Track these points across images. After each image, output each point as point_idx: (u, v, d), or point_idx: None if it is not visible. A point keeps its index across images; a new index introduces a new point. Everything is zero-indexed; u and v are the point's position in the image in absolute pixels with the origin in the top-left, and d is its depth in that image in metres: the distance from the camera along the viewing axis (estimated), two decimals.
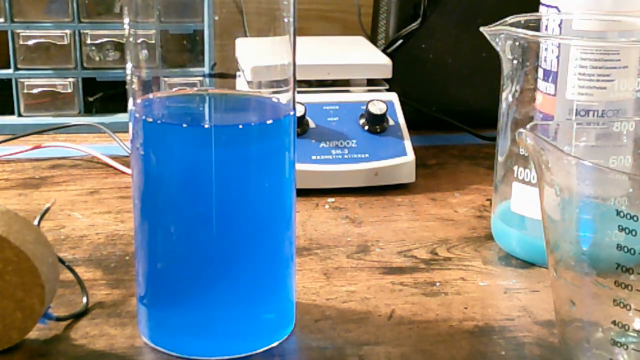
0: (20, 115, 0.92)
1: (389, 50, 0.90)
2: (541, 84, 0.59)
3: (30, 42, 0.90)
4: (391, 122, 0.77)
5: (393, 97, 0.80)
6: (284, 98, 0.48)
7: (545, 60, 0.59)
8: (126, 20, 0.46)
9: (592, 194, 0.43)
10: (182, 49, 0.48)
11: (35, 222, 0.51)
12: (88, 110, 0.94)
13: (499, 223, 0.63)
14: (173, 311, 0.48)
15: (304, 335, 0.50)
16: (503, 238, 0.63)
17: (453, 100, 0.93)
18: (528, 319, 0.53)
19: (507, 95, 0.60)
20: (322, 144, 0.75)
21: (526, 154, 0.58)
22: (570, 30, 0.59)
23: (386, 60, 0.81)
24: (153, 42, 0.46)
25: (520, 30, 0.57)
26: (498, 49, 0.59)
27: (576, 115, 0.57)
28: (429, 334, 0.51)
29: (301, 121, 0.75)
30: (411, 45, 0.91)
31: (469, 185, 0.77)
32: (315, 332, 0.51)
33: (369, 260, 0.61)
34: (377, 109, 0.76)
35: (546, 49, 0.58)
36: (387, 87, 0.82)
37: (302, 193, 0.72)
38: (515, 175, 0.60)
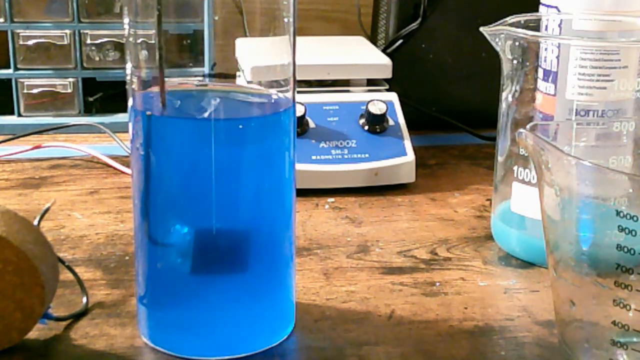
0: (20, 115, 0.92)
1: (389, 50, 0.90)
2: (541, 84, 0.59)
3: (30, 42, 0.90)
4: (391, 122, 0.77)
5: (393, 97, 0.80)
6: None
7: (545, 60, 0.59)
8: (126, 20, 0.46)
9: (592, 194, 0.43)
10: (182, 49, 0.48)
11: (35, 222, 0.50)
12: (88, 110, 0.94)
13: (499, 223, 0.63)
14: (173, 311, 0.48)
15: (304, 335, 0.50)
16: (503, 238, 0.63)
17: (453, 100, 0.93)
18: (528, 319, 0.53)
19: (507, 95, 0.60)
20: (322, 144, 0.75)
21: (526, 154, 0.58)
22: (570, 30, 0.59)
23: (386, 60, 0.81)
24: (153, 42, 0.46)
25: (520, 30, 0.57)
26: (498, 49, 0.59)
27: (576, 115, 0.57)
28: (429, 334, 0.51)
29: (301, 121, 0.75)
30: (411, 45, 0.91)
31: (469, 185, 0.77)
32: (315, 332, 0.51)
33: (368, 260, 0.61)
34: (377, 109, 0.76)
35: (546, 49, 0.58)
36: (387, 87, 0.82)
37: (302, 193, 0.72)
38: (515, 175, 0.60)
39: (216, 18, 0.47)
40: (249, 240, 0.47)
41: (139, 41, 0.46)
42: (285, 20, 0.47)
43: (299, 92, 0.75)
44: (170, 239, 0.46)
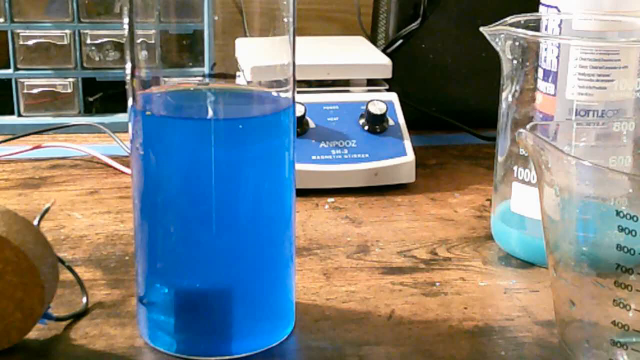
0: (20, 115, 0.92)
1: (389, 50, 0.90)
2: (541, 84, 0.59)
3: (30, 42, 0.90)
4: (391, 122, 0.77)
5: (393, 97, 0.80)
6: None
7: (545, 60, 0.59)
8: (126, 20, 0.46)
9: (592, 194, 0.43)
10: (182, 49, 0.48)
11: (35, 222, 0.50)
12: (88, 110, 0.94)
13: (499, 223, 0.63)
14: (173, 311, 0.48)
15: (304, 335, 0.50)
16: (503, 238, 0.63)
17: (453, 100, 0.93)
18: (528, 319, 0.53)
19: (507, 95, 0.60)
20: (322, 144, 0.75)
21: (526, 154, 0.58)
22: (570, 30, 0.59)
23: (386, 60, 0.81)
24: (153, 42, 0.46)
25: (520, 30, 0.57)
26: (498, 49, 0.59)
27: (576, 115, 0.57)
28: (429, 334, 0.51)
29: (301, 121, 0.75)
30: (411, 45, 0.91)
31: (469, 185, 0.77)
32: (315, 332, 0.50)
33: (368, 261, 0.61)
34: (377, 109, 0.76)
35: (546, 49, 0.58)
36: (387, 87, 0.82)
37: (302, 193, 0.72)
38: (515, 175, 0.60)
39: (216, 18, 0.47)
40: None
41: (138, 41, 0.46)
42: (285, 20, 0.47)
43: (299, 92, 0.75)
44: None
